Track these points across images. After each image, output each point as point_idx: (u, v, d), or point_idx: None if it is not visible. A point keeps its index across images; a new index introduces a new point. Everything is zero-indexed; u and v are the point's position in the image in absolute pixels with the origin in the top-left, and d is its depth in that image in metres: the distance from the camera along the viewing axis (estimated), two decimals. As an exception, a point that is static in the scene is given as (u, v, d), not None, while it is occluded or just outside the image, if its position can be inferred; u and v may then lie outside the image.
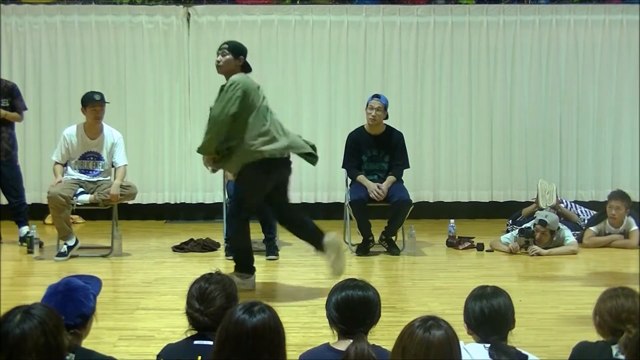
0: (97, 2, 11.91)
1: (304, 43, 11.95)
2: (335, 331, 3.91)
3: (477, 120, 12.05)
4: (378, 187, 9.50)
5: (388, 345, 3.43)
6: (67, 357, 3.42)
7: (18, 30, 11.81)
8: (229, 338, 3.20)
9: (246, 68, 8.17)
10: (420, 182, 11.87)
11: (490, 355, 3.72)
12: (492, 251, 9.76)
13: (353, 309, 3.85)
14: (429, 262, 9.34)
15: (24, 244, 9.80)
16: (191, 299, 3.90)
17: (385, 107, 9.65)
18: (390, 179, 9.61)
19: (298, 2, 12.06)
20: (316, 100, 11.99)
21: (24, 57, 11.85)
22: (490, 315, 3.88)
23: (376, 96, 9.73)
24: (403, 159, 9.79)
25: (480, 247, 9.84)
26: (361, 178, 9.64)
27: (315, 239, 7.95)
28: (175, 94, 11.92)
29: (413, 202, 9.63)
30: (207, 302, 3.85)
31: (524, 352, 3.80)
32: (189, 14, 11.87)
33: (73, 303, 3.72)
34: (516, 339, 3.97)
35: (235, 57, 8.14)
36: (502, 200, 12.02)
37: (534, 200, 10.69)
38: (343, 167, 9.99)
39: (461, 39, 11.98)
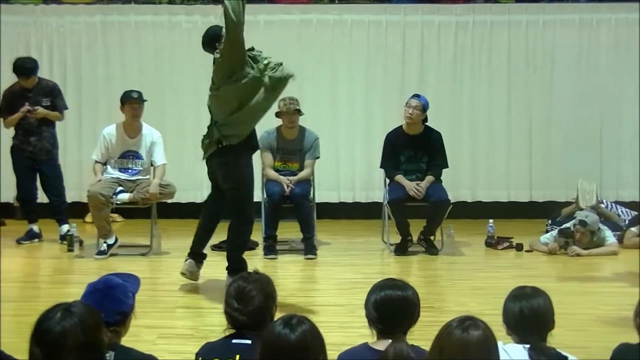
0: (137, 2, 11.99)
1: (342, 42, 11.94)
2: (374, 331, 3.90)
3: (516, 119, 11.97)
4: (417, 184, 9.47)
5: (426, 345, 3.42)
6: (107, 355, 3.43)
7: (59, 30, 11.89)
8: (272, 354, 3.21)
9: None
10: (459, 182, 11.80)
11: (530, 356, 3.69)
12: (531, 251, 9.70)
13: (392, 308, 3.84)
14: (468, 262, 9.31)
15: (64, 242, 9.88)
16: (229, 298, 3.90)
17: (424, 108, 9.59)
18: (429, 178, 9.58)
19: (336, 1, 12.07)
20: (354, 100, 11.97)
21: (64, 56, 11.94)
22: (530, 315, 3.85)
23: (416, 95, 9.70)
24: (441, 159, 9.75)
25: (519, 247, 9.79)
26: (399, 178, 9.61)
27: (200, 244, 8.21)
28: (214, 93, 11.93)
29: (451, 201, 9.59)
30: (245, 301, 3.85)
31: (563, 353, 3.77)
32: (227, 13, 11.87)
33: (112, 301, 3.73)
34: (555, 340, 3.94)
35: (211, 49, 8.25)
36: (541, 200, 11.94)
37: (573, 201, 10.62)
38: (381, 167, 9.96)
39: (500, 38, 11.91)
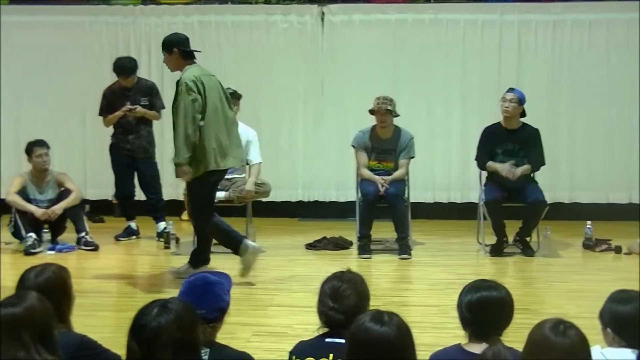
0: (233, 2, 12.09)
1: (438, 42, 11.86)
2: (467, 332, 3.86)
3: (616, 119, 11.73)
4: (511, 165, 9.35)
5: (521, 347, 3.38)
6: (202, 352, 3.46)
7: (157, 30, 12.03)
8: (357, 345, 3.20)
9: (188, 56, 8.24)
10: (556, 183, 11.64)
11: (639, 359, 3.62)
12: (630, 254, 9.51)
13: (486, 310, 3.80)
14: (565, 264, 9.18)
15: (161, 239, 10.02)
16: (324, 297, 3.91)
17: (521, 101, 9.48)
18: (525, 167, 9.46)
19: (432, 0, 11.99)
20: (449, 99, 11.89)
21: (162, 56, 12.04)
22: (639, 319, 3.78)
23: (511, 89, 9.60)
24: (539, 155, 9.61)
25: (617, 249, 9.61)
26: (491, 163, 9.49)
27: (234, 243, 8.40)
28: (309, 93, 11.99)
29: (548, 202, 9.47)
30: (340, 300, 3.86)
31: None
32: (323, 13, 11.92)
33: (212, 297, 3.77)
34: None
35: (168, 53, 8.28)
36: (641, 202, 11.71)
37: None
38: (475, 159, 9.84)
39: (599, 36, 11.70)
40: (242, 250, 8.27)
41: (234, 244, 8.37)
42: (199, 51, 8.55)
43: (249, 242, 8.41)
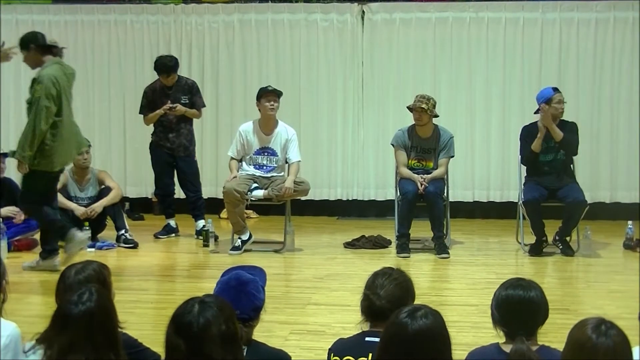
0: (274, 1, 12.11)
1: (479, 40, 11.82)
2: (499, 331, 3.84)
3: (660, 117, 11.65)
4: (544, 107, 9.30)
5: (562, 347, 3.36)
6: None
7: (197, 28, 12.12)
8: (391, 339, 3.19)
9: (46, 51, 8.25)
10: (597, 182, 11.57)
11: None
12: (672, 255, 9.43)
13: (513, 309, 3.75)
14: (605, 264, 9.10)
15: (200, 237, 10.04)
16: (370, 286, 3.91)
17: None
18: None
19: (473, -1, 11.96)
20: (490, 98, 11.84)
21: (202, 55, 12.16)
22: None
23: (555, 89, 9.47)
24: (574, 144, 9.47)
25: (659, 250, 9.54)
26: (534, 143, 9.42)
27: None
28: (349, 91, 11.99)
29: (588, 202, 9.40)
30: (384, 288, 3.86)
31: None
32: (363, 11, 11.92)
33: (247, 297, 3.77)
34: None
35: (26, 50, 8.30)
36: (683, 202, 11.59)
37: None
38: (520, 158, 9.73)
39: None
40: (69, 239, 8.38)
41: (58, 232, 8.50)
42: (62, 47, 8.53)
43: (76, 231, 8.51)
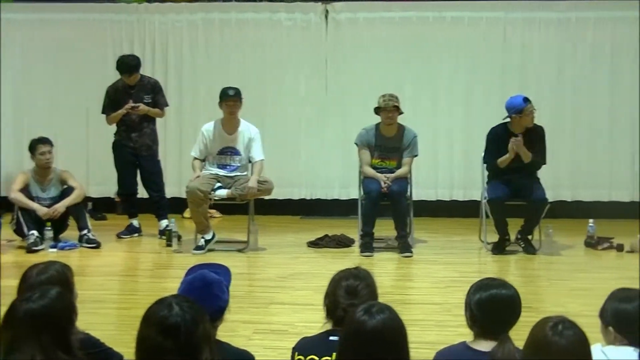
0: (238, 0, 12.08)
1: (442, 40, 11.85)
2: (473, 330, 3.85)
3: (619, 117, 11.73)
4: (516, 139, 9.28)
5: (522, 345, 3.39)
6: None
7: (161, 28, 12.08)
8: (351, 339, 3.21)
9: None
10: (559, 181, 11.65)
11: None
12: (633, 252, 9.50)
13: (499, 308, 3.78)
14: (567, 262, 9.17)
15: (164, 237, 10.02)
16: (339, 293, 3.90)
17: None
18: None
19: (436, -2, 12.00)
20: (453, 97, 11.89)
21: (166, 54, 12.12)
22: None
23: (526, 99, 9.40)
24: (542, 154, 9.55)
25: (619, 247, 9.61)
26: (500, 160, 9.43)
27: None
28: (313, 90, 12.00)
29: (550, 200, 9.46)
30: (358, 297, 3.86)
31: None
32: (327, 11, 11.93)
33: (211, 298, 3.75)
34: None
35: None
36: (644, 200, 11.71)
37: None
38: (484, 161, 9.77)
39: (603, 34, 11.68)
40: None
41: None
42: None
43: None
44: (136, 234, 10.49)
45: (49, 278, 3.95)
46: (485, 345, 3.68)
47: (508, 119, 9.43)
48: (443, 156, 11.93)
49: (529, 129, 9.43)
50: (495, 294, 3.81)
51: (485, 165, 9.77)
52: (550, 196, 9.65)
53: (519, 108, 9.32)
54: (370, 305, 3.24)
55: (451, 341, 3.96)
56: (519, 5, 11.76)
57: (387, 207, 9.56)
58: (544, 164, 9.66)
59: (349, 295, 3.87)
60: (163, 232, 10.12)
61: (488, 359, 3.56)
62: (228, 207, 10.76)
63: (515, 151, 9.28)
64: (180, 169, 11.81)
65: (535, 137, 9.46)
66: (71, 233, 9.94)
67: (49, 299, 3.30)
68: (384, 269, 8.87)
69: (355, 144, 9.86)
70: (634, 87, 11.64)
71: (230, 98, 9.59)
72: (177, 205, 11.27)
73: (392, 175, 9.54)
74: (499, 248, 9.47)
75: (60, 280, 3.95)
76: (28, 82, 12.11)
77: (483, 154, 9.74)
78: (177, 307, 3.09)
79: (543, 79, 11.74)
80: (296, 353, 3.89)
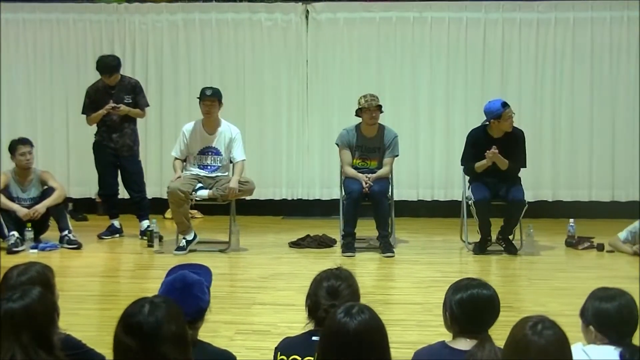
0: (218, 0, 12.07)
1: (423, 40, 11.88)
2: (452, 329, 3.87)
3: (599, 117, 11.78)
4: (492, 152, 9.31)
5: (503, 344, 3.40)
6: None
7: (141, 28, 12.04)
8: (331, 340, 3.20)
9: None
10: (539, 181, 11.69)
11: (622, 356, 3.63)
12: (613, 252, 9.55)
13: (479, 308, 3.80)
14: (547, 262, 9.20)
15: (145, 237, 10.00)
16: (320, 294, 3.90)
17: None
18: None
19: (417, -2, 12.01)
20: (434, 97, 11.90)
21: (146, 54, 12.08)
22: (627, 316, 3.79)
23: (505, 103, 9.34)
24: (521, 157, 9.57)
25: (600, 247, 9.65)
26: (477, 165, 9.48)
27: None
28: (294, 91, 12.00)
29: (531, 201, 9.51)
30: (340, 297, 3.86)
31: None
32: (307, 11, 11.93)
33: (192, 298, 3.75)
34: (638, 342, 3.87)
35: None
36: (623, 200, 11.75)
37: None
38: (461, 163, 9.82)
39: (583, 35, 11.72)
40: None
41: None
42: None
43: None
44: (117, 235, 10.45)
45: (29, 279, 3.94)
46: (464, 344, 3.70)
47: (487, 123, 9.46)
48: (424, 156, 11.95)
49: (508, 133, 9.44)
50: (476, 294, 3.83)
51: (462, 167, 9.80)
52: (531, 196, 9.70)
53: (497, 113, 9.30)
54: (350, 307, 3.24)
55: (432, 341, 3.97)
56: (499, 6, 11.78)
57: (368, 207, 9.57)
58: (524, 167, 9.65)
59: (330, 296, 3.87)
60: (144, 233, 10.09)
61: (466, 357, 3.57)
62: (209, 208, 10.74)
63: (489, 157, 9.31)
64: (161, 170, 11.79)
65: (514, 142, 9.48)
66: (52, 234, 9.92)
67: (30, 299, 3.30)
68: (366, 269, 8.89)
69: (336, 144, 9.86)
70: (613, 88, 11.71)
71: (207, 98, 9.57)
72: (159, 206, 11.24)
73: (374, 175, 9.55)
74: (481, 248, 9.49)
75: (41, 281, 3.93)
76: (7, 82, 12.03)
77: (461, 156, 9.77)
78: (147, 307, 3.09)
79: (523, 79, 11.77)
80: (279, 353, 3.89)
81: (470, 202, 9.59)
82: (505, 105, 9.32)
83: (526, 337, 3.17)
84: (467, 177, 9.78)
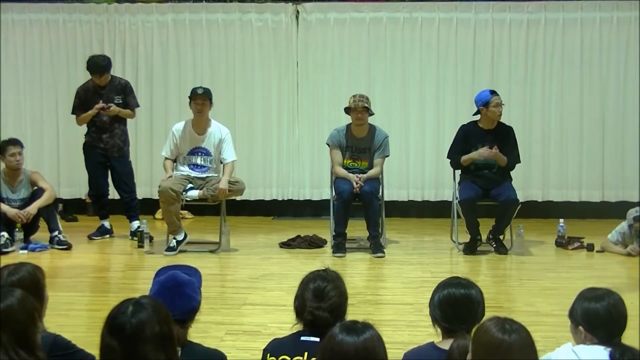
0: (208, 0, 12.06)
1: (413, 40, 11.89)
2: (439, 330, 3.88)
3: (589, 118, 11.81)
4: (492, 151, 9.37)
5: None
6: (176, 351, 3.46)
7: (131, 28, 12.03)
8: (335, 358, 3.18)
9: None
10: (529, 181, 11.72)
11: (612, 356, 3.64)
12: (603, 252, 9.56)
13: (455, 306, 3.82)
14: (538, 262, 9.21)
15: (135, 238, 9.98)
16: (307, 296, 3.90)
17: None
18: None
19: (407, -1, 12.03)
20: (424, 98, 11.92)
21: (136, 55, 12.07)
22: (616, 316, 3.80)
23: (493, 92, 9.55)
24: (515, 152, 9.62)
25: (590, 247, 9.66)
26: (465, 157, 9.51)
27: None
28: (284, 91, 12.00)
29: (521, 201, 9.50)
30: (326, 299, 3.86)
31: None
32: (297, 11, 11.93)
33: (183, 298, 3.75)
34: (627, 342, 3.88)
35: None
36: (613, 201, 11.77)
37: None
38: (448, 157, 9.84)
39: (572, 36, 11.75)
40: None
41: None
42: None
43: None
44: (107, 235, 10.44)
45: (20, 279, 3.93)
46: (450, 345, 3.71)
47: (478, 116, 9.50)
48: (414, 156, 11.96)
49: (499, 126, 9.50)
50: (452, 293, 3.86)
51: (449, 161, 9.82)
52: (521, 196, 9.70)
53: (486, 100, 9.44)
54: (353, 323, 3.21)
55: (423, 341, 3.98)
56: (489, 7, 11.79)
57: (359, 207, 9.57)
58: (519, 162, 9.73)
59: (317, 298, 3.87)
60: (134, 233, 10.08)
61: (446, 356, 3.57)
62: (199, 208, 10.74)
63: (484, 155, 9.34)
64: (151, 170, 11.79)
65: (506, 136, 9.57)
66: (42, 234, 9.89)
67: (10, 300, 3.30)
68: (356, 269, 8.89)
69: (327, 144, 9.87)
70: (603, 88, 11.74)
71: (199, 96, 9.57)
72: (149, 206, 11.24)
73: (364, 175, 9.55)
74: (471, 248, 9.50)
75: (32, 282, 3.93)
76: (-4, 83, 12.03)
77: (449, 149, 9.80)
78: (131, 309, 3.10)
79: (513, 80, 11.79)
80: (268, 354, 3.89)
81: (456, 201, 9.62)
82: (493, 92, 9.52)
83: (496, 337, 3.16)
84: (457, 179, 9.79)
